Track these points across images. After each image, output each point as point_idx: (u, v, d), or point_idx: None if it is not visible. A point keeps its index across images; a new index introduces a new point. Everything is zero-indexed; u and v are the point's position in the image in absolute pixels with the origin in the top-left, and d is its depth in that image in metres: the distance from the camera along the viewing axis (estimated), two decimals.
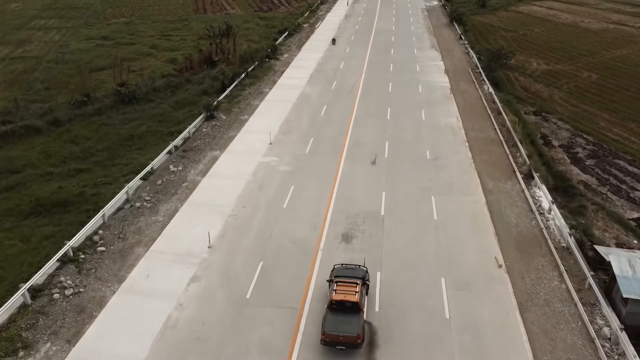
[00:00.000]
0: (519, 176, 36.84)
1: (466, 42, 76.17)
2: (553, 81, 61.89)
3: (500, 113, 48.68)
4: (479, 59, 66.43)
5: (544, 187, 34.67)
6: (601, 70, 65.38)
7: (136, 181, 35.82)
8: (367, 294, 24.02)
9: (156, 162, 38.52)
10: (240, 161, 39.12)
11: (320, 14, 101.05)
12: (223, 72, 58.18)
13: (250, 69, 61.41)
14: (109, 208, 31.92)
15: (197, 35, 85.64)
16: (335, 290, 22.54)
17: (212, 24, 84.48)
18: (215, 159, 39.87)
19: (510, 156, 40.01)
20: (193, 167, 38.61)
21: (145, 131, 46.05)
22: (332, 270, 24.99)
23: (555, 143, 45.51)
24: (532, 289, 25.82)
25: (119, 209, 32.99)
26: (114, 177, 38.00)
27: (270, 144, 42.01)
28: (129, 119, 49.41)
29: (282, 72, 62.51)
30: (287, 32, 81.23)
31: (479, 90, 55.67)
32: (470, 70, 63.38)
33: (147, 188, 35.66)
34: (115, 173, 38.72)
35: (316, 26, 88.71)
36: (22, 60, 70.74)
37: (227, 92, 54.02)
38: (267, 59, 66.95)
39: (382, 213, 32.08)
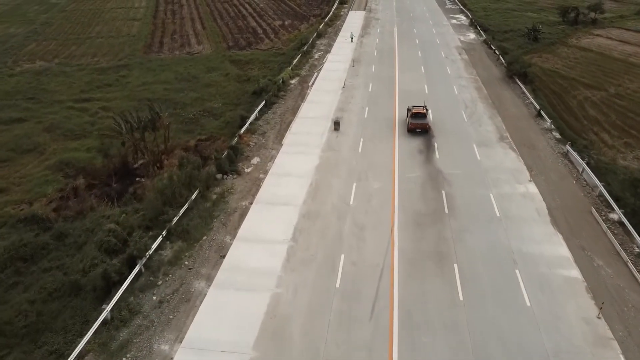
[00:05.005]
0: None
1: (553, 126, 46.92)
2: None
3: None
4: (595, 172, 37.57)
5: None
6: None
7: None
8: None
9: None
10: None
11: (316, 56, 71.43)
12: (121, 237, 28.95)
13: (177, 217, 31.98)
14: None
15: (131, 97, 56.56)
16: (412, 109, 45.43)
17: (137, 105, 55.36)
18: None
19: None
20: None
21: None
22: (407, 108, 47.01)
23: None
24: None
25: None
26: None
27: None
28: None
29: (242, 215, 33.07)
30: (264, 101, 52.07)
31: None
32: (593, 208, 34.02)
33: None
34: None
35: (310, 83, 59.46)
36: None
37: (115, 299, 24.81)
38: (220, 176, 37.86)
39: None
